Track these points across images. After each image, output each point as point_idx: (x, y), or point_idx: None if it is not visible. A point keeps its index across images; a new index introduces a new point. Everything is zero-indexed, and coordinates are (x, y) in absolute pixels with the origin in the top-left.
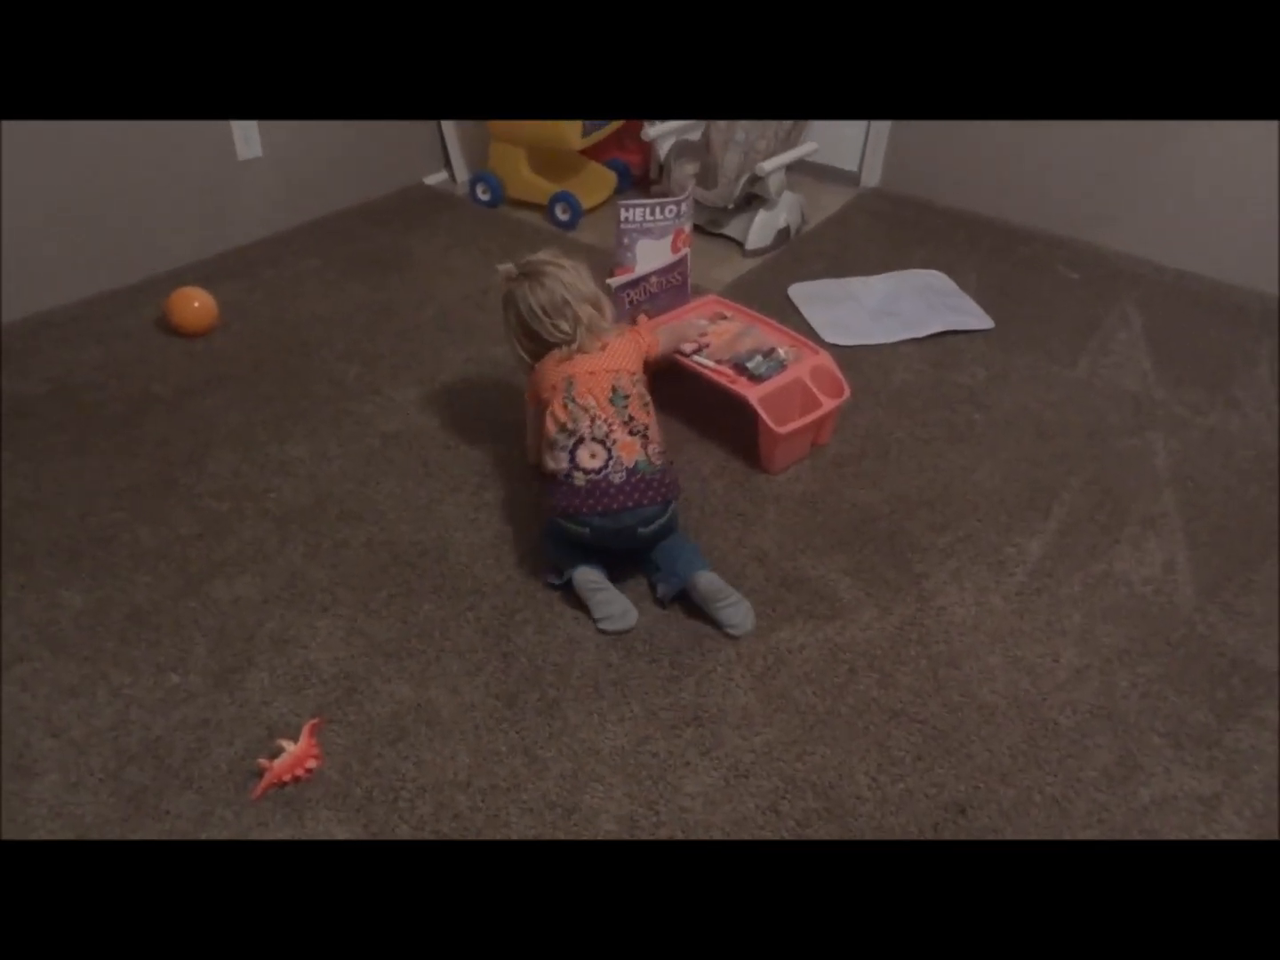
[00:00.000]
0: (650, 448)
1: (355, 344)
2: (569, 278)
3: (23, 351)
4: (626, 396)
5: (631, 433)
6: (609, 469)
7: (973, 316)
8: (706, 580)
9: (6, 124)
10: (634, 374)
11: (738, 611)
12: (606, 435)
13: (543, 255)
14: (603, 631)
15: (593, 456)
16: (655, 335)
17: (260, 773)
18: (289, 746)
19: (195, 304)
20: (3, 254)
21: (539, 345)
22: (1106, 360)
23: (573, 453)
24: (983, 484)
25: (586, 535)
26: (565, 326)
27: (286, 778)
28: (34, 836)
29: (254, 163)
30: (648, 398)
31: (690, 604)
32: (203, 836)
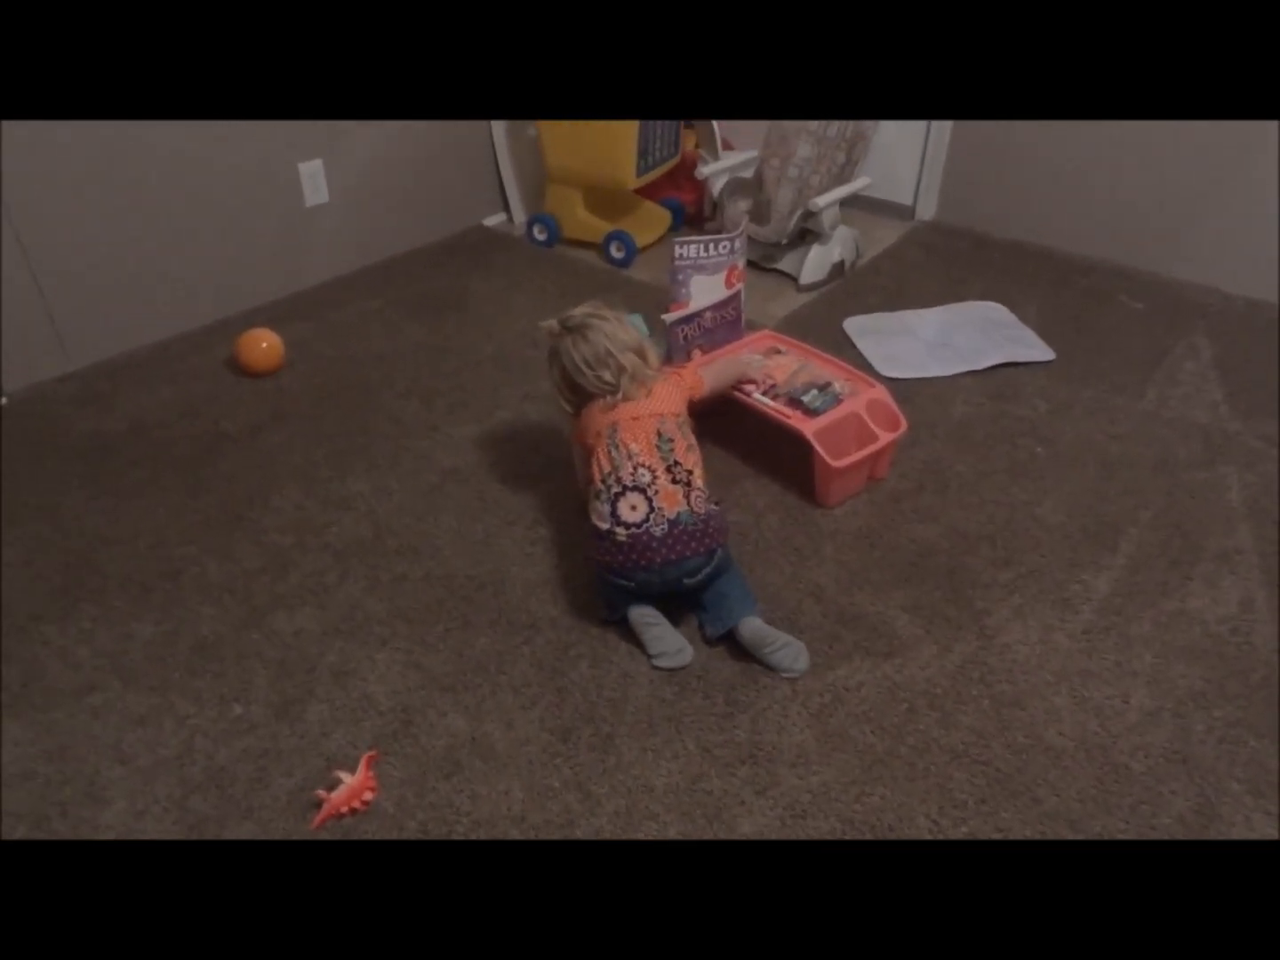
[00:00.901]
0: (693, 496)
1: (415, 382)
2: (611, 329)
3: (102, 393)
4: (671, 440)
5: (674, 480)
6: (650, 522)
7: (1033, 348)
8: (751, 630)
9: (87, 176)
10: (678, 416)
11: (788, 655)
12: (650, 484)
13: (584, 308)
14: (657, 668)
15: (633, 509)
16: (699, 374)
17: (319, 804)
18: (346, 778)
19: (264, 345)
20: (84, 299)
21: (582, 397)
22: (1174, 392)
23: (614, 506)
24: (1046, 519)
25: (632, 588)
26: (608, 376)
27: (344, 809)
28: None
29: (321, 208)
30: (693, 440)
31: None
32: None
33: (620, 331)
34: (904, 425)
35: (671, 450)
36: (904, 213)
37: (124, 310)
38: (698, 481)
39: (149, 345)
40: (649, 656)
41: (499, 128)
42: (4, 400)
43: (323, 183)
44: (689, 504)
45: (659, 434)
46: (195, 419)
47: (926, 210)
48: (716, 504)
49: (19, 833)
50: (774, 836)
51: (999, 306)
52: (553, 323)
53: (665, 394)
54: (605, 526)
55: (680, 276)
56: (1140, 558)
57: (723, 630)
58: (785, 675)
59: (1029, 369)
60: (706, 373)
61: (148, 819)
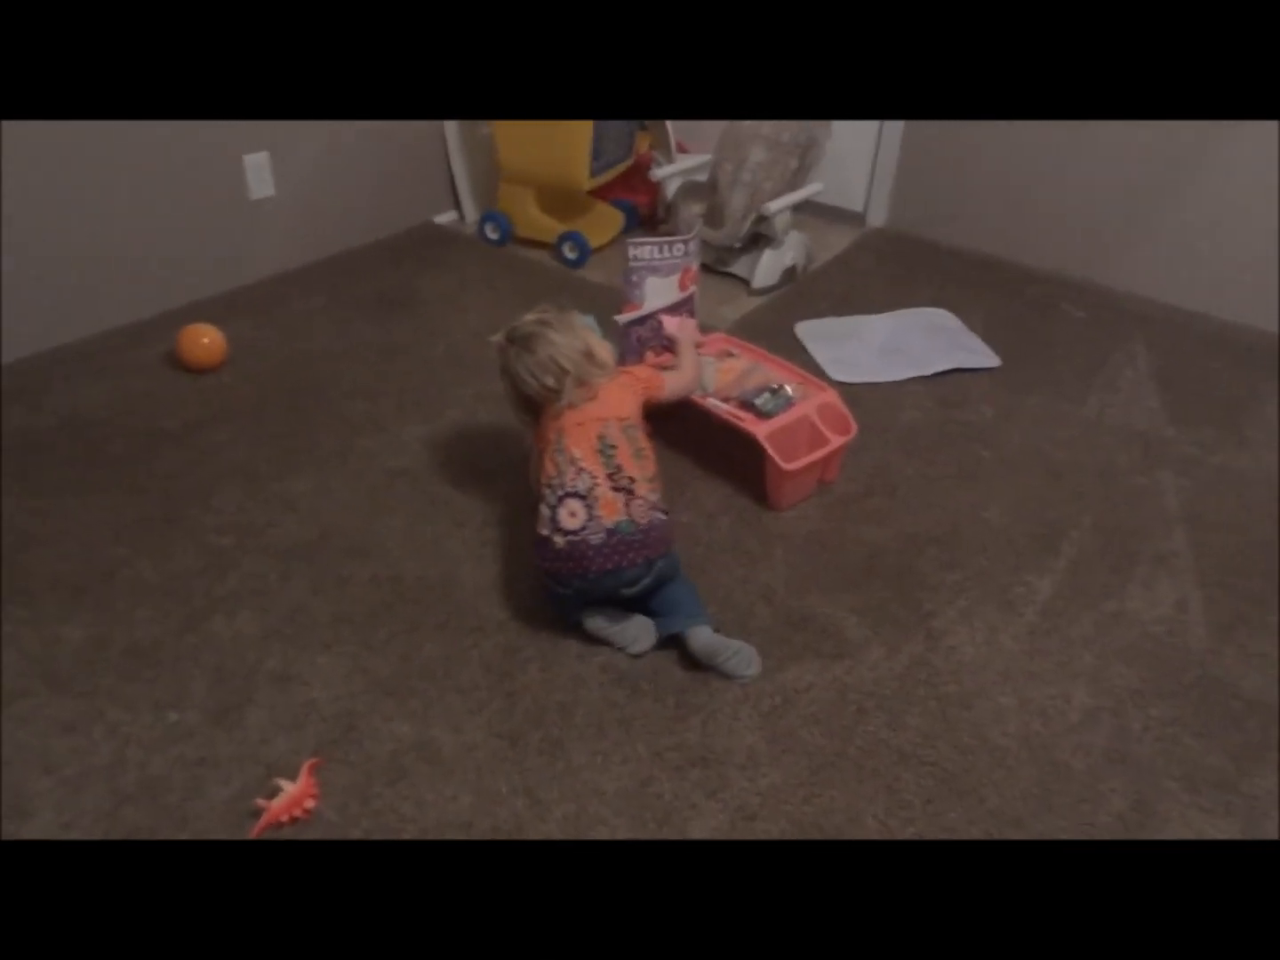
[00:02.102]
0: (634, 504)
1: (362, 381)
2: (556, 335)
3: (33, 387)
4: (614, 446)
5: (616, 488)
6: (588, 530)
7: (980, 355)
8: (702, 641)
9: (20, 162)
10: (624, 420)
11: (740, 662)
12: (590, 490)
13: (532, 315)
14: (634, 656)
15: (572, 515)
16: (661, 375)
17: (258, 813)
18: (287, 786)
19: (204, 340)
20: (15, 290)
21: (534, 408)
22: (1115, 399)
23: (555, 511)
24: (992, 522)
25: (570, 596)
26: (551, 382)
27: (284, 818)
28: None
29: (266, 201)
30: (643, 445)
31: None
32: None
33: (566, 337)
34: (854, 429)
35: (614, 456)
36: (855, 219)
37: (57, 302)
38: (641, 490)
39: (84, 339)
40: (621, 650)
41: (451, 124)
42: None
43: (269, 175)
44: (628, 513)
45: (600, 439)
46: (132, 416)
47: (877, 217)
48: (665, 513)
49: None
50: (724, 839)
51: (947, 313)
52: (500, 336)
53: (613, 398)
54: (545, 532)
55: (634, 278)
56: (1081, 560)
57: (672, 630)
58: (738, 681)
59: (975, 375)
60: (674, 375)
61: (74, 831)
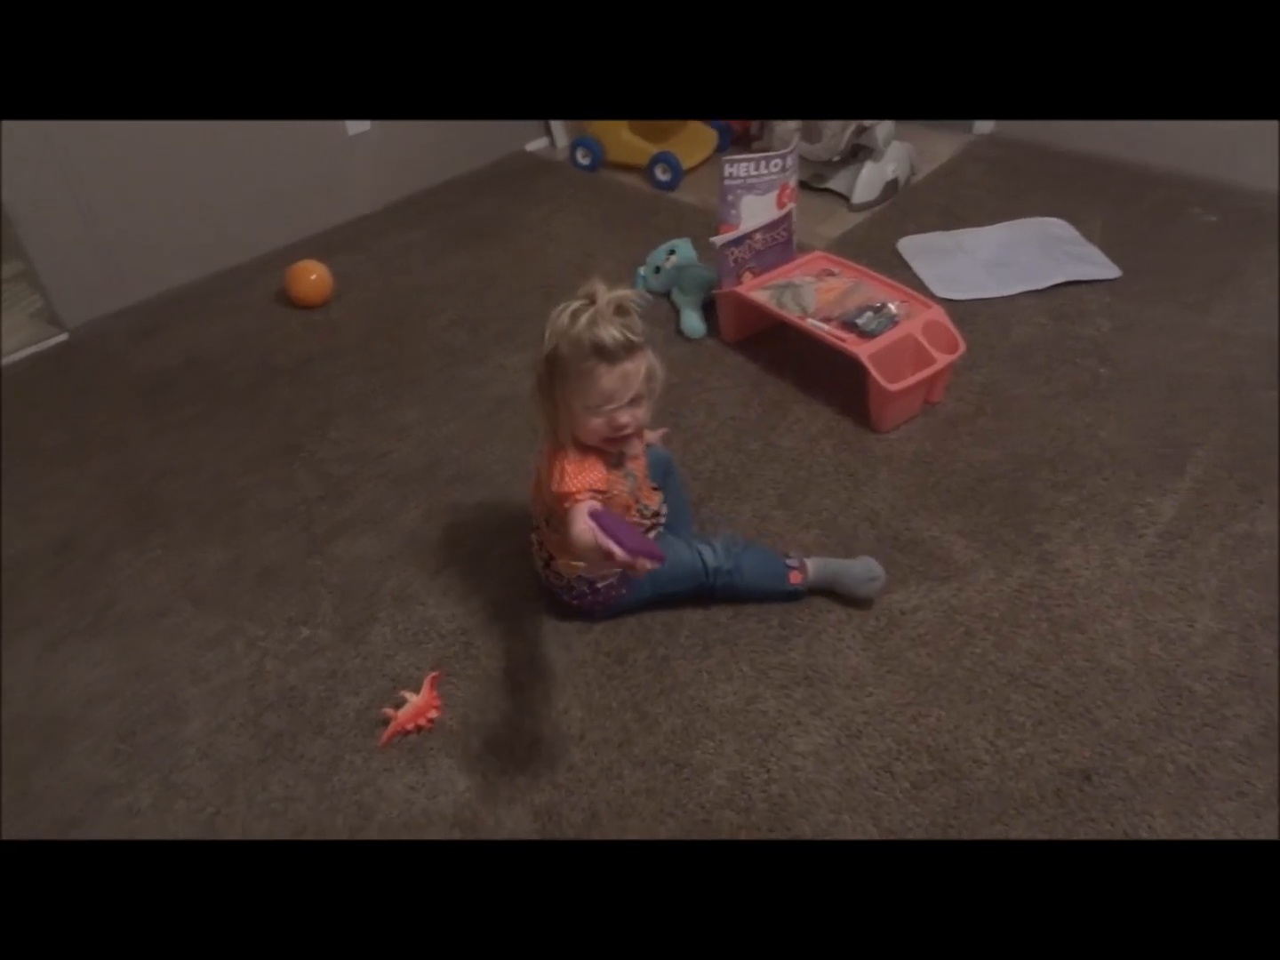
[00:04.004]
0: None
1: (463, 311)
2: None
3: (161, 327)
4: None
5: None
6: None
7: (1098, 265)
8: (815, 570)
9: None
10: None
11: (860, 568)
12: None
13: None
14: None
15: None
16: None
17: (385, 721)
18: (411, 697)
19: (312, 277)
20: (134, 237)
21: None
22: (1246, 308)
23: None
24: (1109, 441)
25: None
26: None
27: (410, 726)
28: (182, 776)
29: (362, 137)
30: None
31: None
32: (334, 780)
33: None
34: (962, 347)
35: None
36: (961, 126)
37: (175, 245)
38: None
39: (201, 279)
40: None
41: None
42: (66, 336)
43: None
44: None
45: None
46: (249, 353)
47: (985, 123)
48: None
49: (106, 747)
50: (829, 756)
51: (1061, 222)
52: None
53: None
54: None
55: (730, 197)
56: (1207, 480)
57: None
58: (868, 588)
59: (1092, 287)
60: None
61: (226, 734)
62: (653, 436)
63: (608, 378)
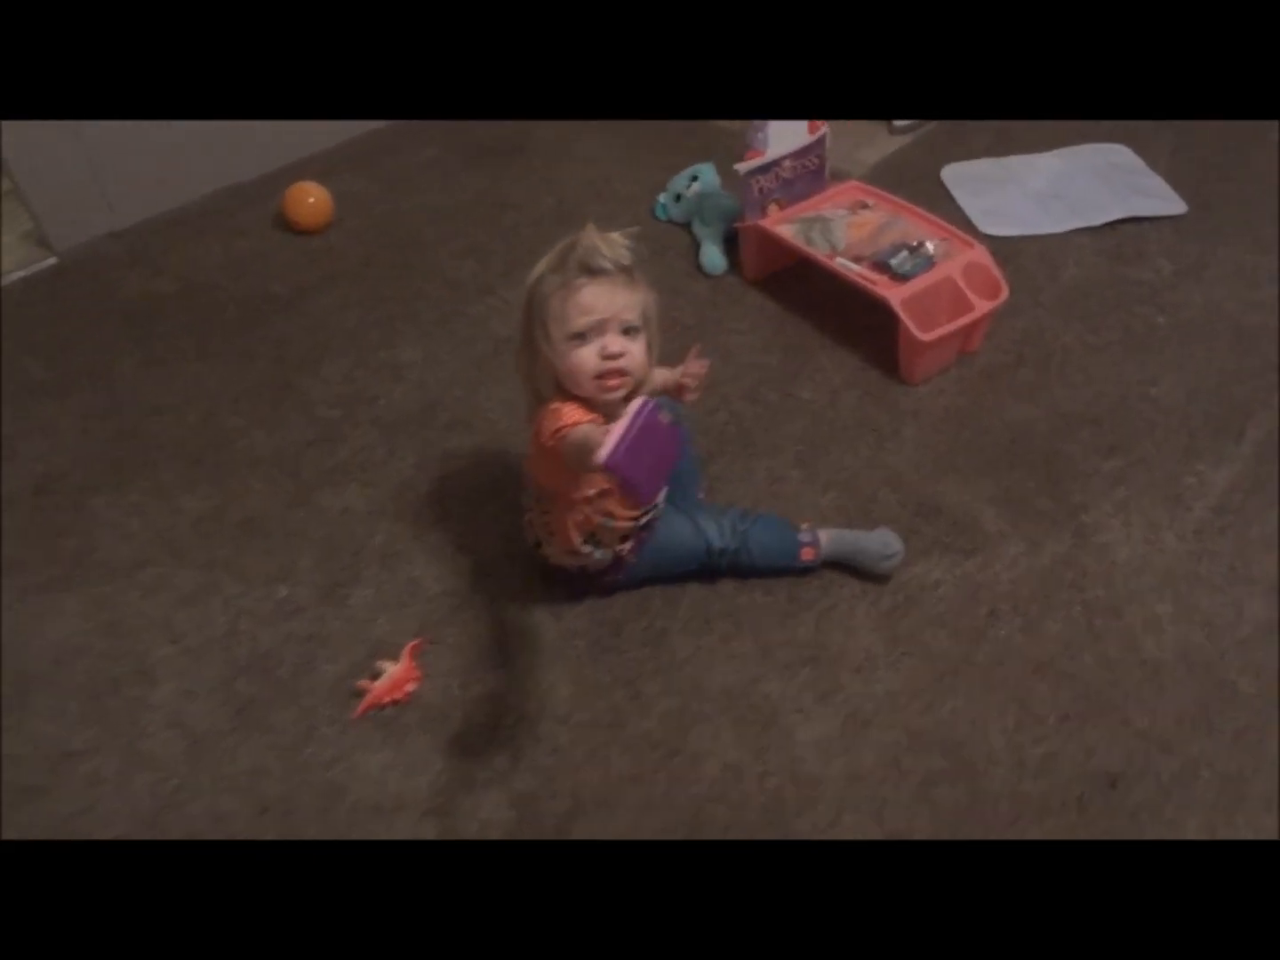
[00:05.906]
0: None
1: (471, 239)
2: None
3: (154, 251)
4: None
5: None
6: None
7: (1161, 200)
8: (830, 543)
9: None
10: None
11: (877, 540)
12: None
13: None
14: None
15: None
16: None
17: (361, 694)
18: (389, 668)
19: (310, 200)
20: (124, 155)
21: None
22: None
23: None
24: (1163, 400)
25: None
26: None
27: (386, 700)
28: (148, 744)
29: None
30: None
31: None
32: (305, 753)
33: None
34: (1004, 292)
35: None
36: None
37: (170, 164)
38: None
39: (197, 200)
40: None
41: None
42: (55, 259)
43: None
44: None
45: None
46: (244, 280)
47: None
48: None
49: (73, 709)
50: (833, 746)
51: (1125, 149)
52: None
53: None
54: None
55: (756, 120)
56: (1269, 446)
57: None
58: (886, 564)
59: (1155, 224)
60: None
61: (196, 700)
62: (667, 375)
63: (590, 289)
